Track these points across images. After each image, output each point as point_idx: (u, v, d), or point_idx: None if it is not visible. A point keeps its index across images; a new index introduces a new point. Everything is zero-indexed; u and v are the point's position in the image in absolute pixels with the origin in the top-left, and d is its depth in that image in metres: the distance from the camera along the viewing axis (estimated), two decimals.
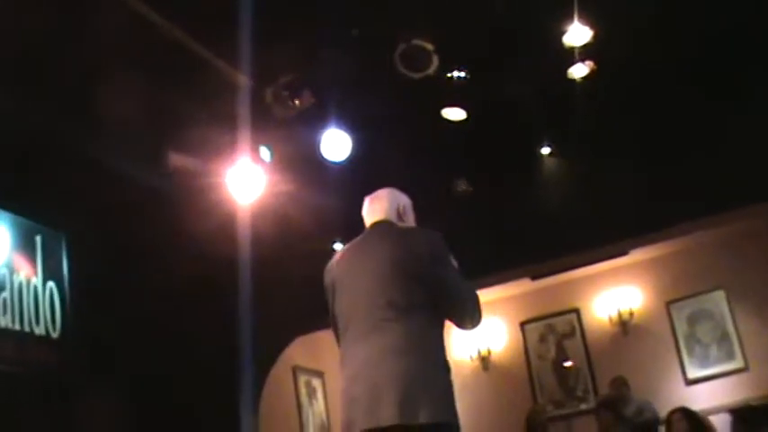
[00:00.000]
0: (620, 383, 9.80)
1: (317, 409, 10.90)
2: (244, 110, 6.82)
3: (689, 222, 8.51)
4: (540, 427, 9.99)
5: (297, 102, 6.66)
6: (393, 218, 4.19)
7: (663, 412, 9.16)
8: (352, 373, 3.79)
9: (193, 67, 6.39)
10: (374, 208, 4.27)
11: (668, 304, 10.89)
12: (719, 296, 10.64)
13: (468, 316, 3.87)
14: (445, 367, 3.75)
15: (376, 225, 4.20)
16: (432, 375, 3.66)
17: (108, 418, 6.53)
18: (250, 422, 8.62)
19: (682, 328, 10.76)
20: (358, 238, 4.22)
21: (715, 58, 7.20)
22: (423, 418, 3.52)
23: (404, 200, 4.29)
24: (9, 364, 6.05)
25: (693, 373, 10.61)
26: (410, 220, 4.25)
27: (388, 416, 3.54)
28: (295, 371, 10.52)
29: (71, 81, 6.03)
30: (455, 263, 3.96)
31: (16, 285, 6.31)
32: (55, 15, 5.43)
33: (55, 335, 6.55)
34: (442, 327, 3.85)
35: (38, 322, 6.41)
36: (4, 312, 6.11)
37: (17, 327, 6.20)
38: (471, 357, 11.76)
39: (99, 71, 6.05)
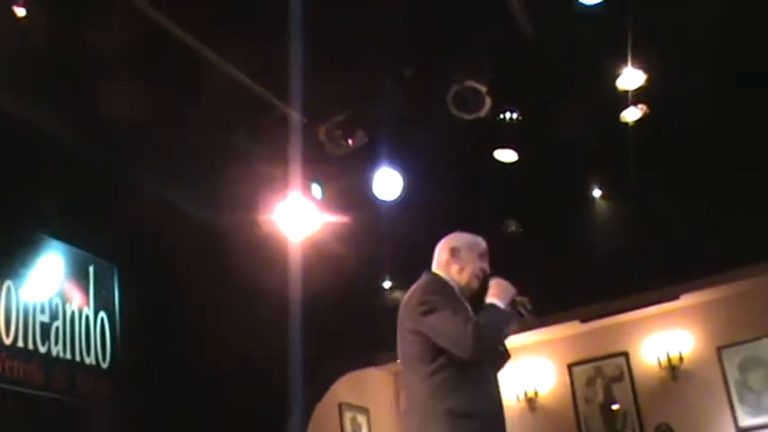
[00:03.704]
0: (665, 431, 9.67)
1: None
2: (296, 146, 6.88)
3: (741, 268, 8.41)
4: None
5: (350, 141, 6.72)
6: (440, 265, 4.19)
7: None
8: None
9: (248, 104, 6.48)
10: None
11: (719, 350, 10.69)
12: None
13: (459, 351, 3.76)
14: (450, 416, 3.75)
15: None
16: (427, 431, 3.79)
17: None
18: None
19: (733, 375, 10.56)
20: None
21: None
22: None
23: (459, 241, 4.24)
24: (60, 393, 6.12)
25: (745, 421, 10.38)
26: (466, 262, 4.17)
27: None
28: (341, 407, 10.52)
29: (126, 114, 6.15)
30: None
31: (68, 315, 6.40)
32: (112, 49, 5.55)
33: (105, 365, 6.62)
34: (452, 372, 3.81)
35: (89, 352, 6.49)
36: (56, 341, 6.19)
37: (68, 356, 6.28)
38: (518, 398, 11.65)
39: (154, 105, 6.16)
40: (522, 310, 4.01)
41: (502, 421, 3.95)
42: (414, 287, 4.07)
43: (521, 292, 4.05)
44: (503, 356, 4.17)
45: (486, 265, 4.19)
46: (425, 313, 3.86)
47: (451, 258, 4.17)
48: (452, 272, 4.15)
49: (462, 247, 4.20)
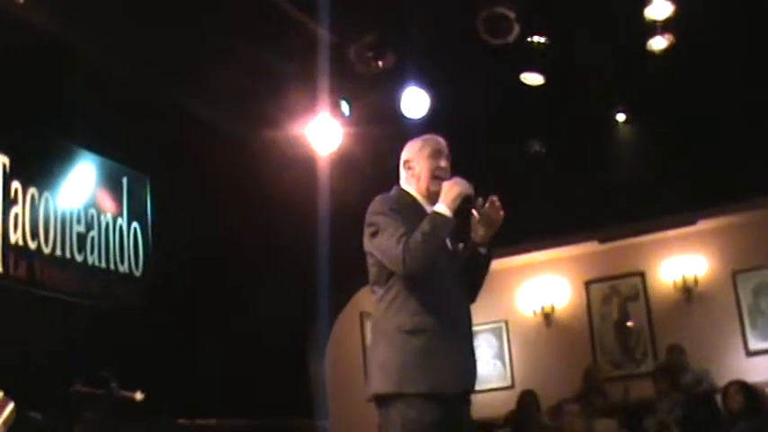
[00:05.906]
0: (677, 351, 9.78)
1: None
2: (325, 64, 6.96)
3: (760, 196, 8.49)
4: (596, 386, 10.15)
5: (379, 62, 6.80)
6: (403, 182, 4.17)
7: (721, 381, 9.25)
8: None
9: (277, 21, 6.54)
10: None
11: (734, 274, 10.87)
12: None
13: (397, 267, 3.82)
14: (398, 333, 3.84)
15: None
16: (377, 349, 3.93)
17: (186, 354, 6.81)
18: (317, 363, 8.91)
19: (746, 299, 10.74)
20: None
21: None
22: (371, 390, 3.91)
23: (408, 152, 4.19)
24: (94, 299, 6.35)
25: (755, 344, 10.61)
26: (420, 168, 4.11)
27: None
28: (362, 316, 10.76)
29: (161, 32, 6.24)
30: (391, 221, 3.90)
31: (103, 225, 6.58)
32: None
33: (137, 273, 6.83)
34: (400, 291, 3.88)
35: (122, 261, 6.70)
36: (92, 251, 6.40)
37: (103, 264, 6.49)
38: (534, 313, 11.90)
39: (186, 23, 6.25)
40: (475, 209, 3.96)
41: (458, 337, 3.94)
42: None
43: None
44: (484, 260, 4.12)
45: (442, 163, 4.10)
46: (372, 235, 3.92)
47: (407, 171, 4.15)
48: (412, 183, 4.12)
49: (412, 155, 4.15)
